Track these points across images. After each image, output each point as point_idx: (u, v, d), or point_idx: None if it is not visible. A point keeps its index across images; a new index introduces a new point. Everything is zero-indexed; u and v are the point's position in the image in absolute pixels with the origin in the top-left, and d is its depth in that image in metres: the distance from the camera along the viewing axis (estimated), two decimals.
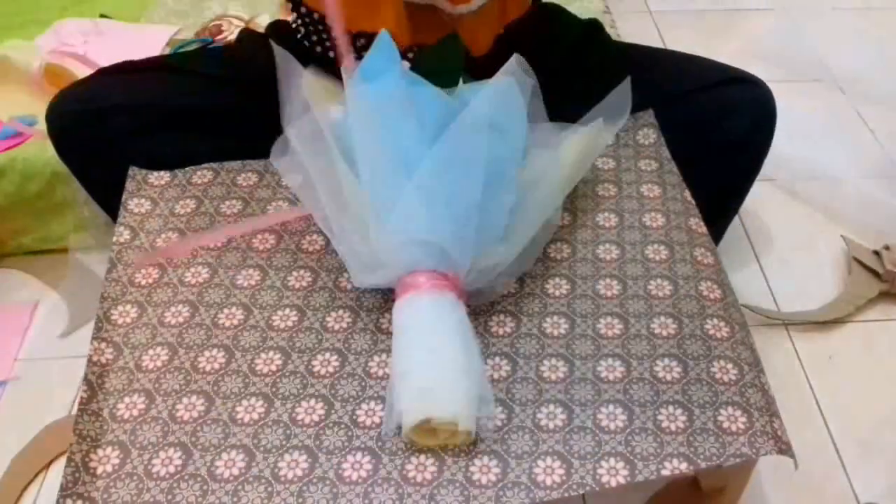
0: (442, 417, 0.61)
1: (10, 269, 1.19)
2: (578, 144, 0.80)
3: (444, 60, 0.76)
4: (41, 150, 0.96)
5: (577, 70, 0.97)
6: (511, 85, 0.74)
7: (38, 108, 1.17)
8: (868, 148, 1.43)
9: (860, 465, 0.94)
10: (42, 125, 0.95)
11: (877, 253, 1.17)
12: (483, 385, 0.66)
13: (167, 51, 1.34)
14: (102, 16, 1.40)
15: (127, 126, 0.89)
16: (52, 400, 1.00)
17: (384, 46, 0.73)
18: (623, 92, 0.81)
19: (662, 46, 1.61)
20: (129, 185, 0.87)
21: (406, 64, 0.75)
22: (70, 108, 0.91)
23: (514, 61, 0.74)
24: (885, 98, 1.52)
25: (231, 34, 1.38)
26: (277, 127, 0.80)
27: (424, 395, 0.63)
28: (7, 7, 1.42)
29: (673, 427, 0.65)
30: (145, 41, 1.35)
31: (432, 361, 0.65)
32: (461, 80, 0.77)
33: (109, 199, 0.88)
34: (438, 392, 0.63)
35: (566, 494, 0.60)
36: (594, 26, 1.03)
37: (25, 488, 0.92)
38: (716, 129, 0.93)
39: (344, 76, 0.70)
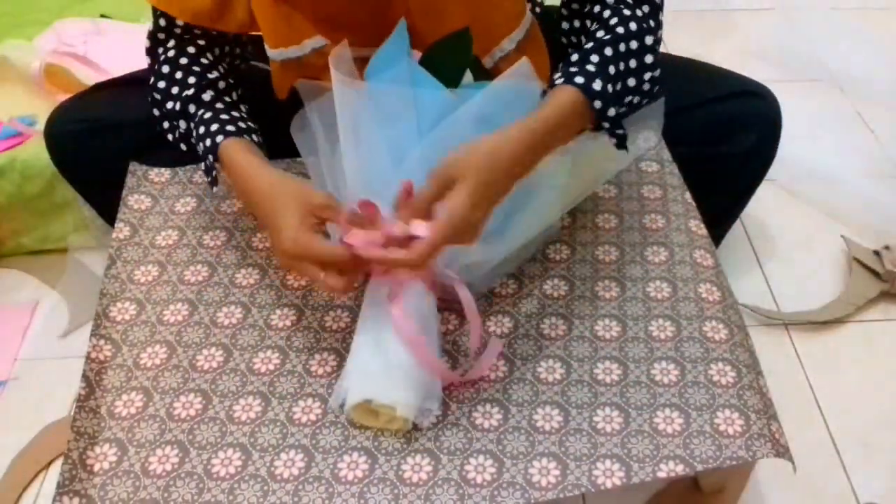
0: (381, 401, 0.63)
1: (10, 269, 1.19)
2: (590, 153, 0.78)
3: (452, 55, 0.76)
4: (41, 150, 0.96)
5: None
6: (516, 86, 0.73)
7: (38, 108, 1.18)
8: (868, 148, 1.43)
9: (860, 465, 0.94)
10: (42, 125, 0.95)
11: (877, 253, 1.17)
12: (432, 378, 0.66)
13: None
14: (102, 16, 1.40)
15: (126, 143, 0.88)
16: (51, 400, 1.00)
17: (398, 38, 0.73)
18: (656, 110, 0.79)
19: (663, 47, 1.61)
20: (130, 180, 0.87)
21: (416, 54, 0.75)
22: (68, 127, 0.91)
23: (523, 64, 0.74)
24: (885, 98, 1.51)
25: None
26: (278, 138, 0.80)
27: (369, 376, 0.65)
28: (7, 7, 1.42)
29: (669, 430, 0.64)
30: (145, 41, 1.35)
31: (384, 346, 0.66)
32: (471, 77, 0.76)
33: (110, 210, 0.87)
34: (382, 376, 0.64)
35: (561, 495, 0.60)
36: None
37: (25, 488, 0.92)
38: (724, 141, 0.94)
39: (332, 68, 0.69)
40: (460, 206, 0.62)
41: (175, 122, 0.78)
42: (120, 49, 1.29)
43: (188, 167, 0.89)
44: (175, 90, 0.77)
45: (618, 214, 0.85)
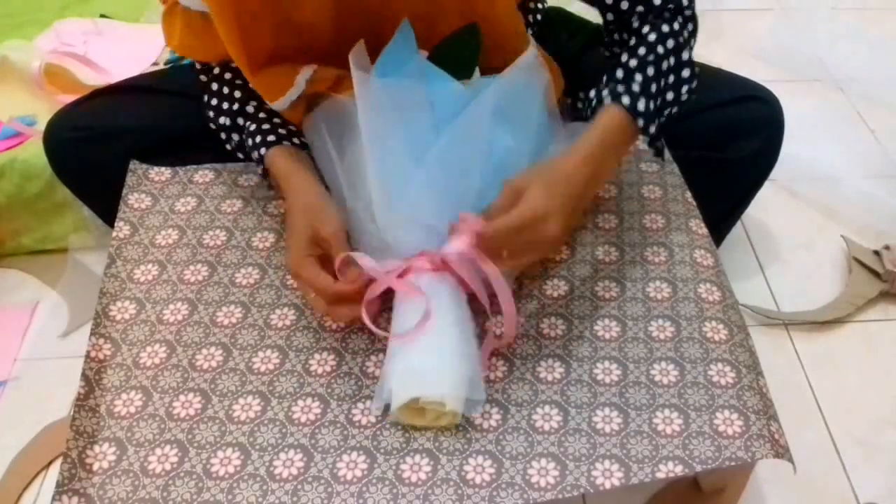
0: (429, 397, 0.63)
1: (10, 269, 1.19)
2: None
3: (461, 50, 0.76)
4: (41, 150, 0.96)
5: (581, 76, 0.96)
6: (525, 77, 0.73)
7: (38, 108, 1.18)
8: (868, 148, 1.43)
9: (860, 465, 0.94)
10: (42, 125, 0.95)
11: (877, 253, 1.17)
12: (475, 368, 0.66)
13: (166, 51, 1.34)
14: (102, 16, 1.41)
15: (125, 150, 0.88)
16: (51, 400, 1.00)
17: (404, 37, 0.73)
18: None
19: None
20: (130, 179, 0.87)
21: (424, 53, 0.75)
22: (67, 135, 0.91)
23: (531, 55, 0.74)
24: (885, 98, 1.51)
25: None
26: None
27: (414, 374, 0.64)
28: (7, 7, 1.42)
29: (668, 430, 0.64)
30: (145, 41, 1.35)
31: (424, 343, 0.66)
32: (478, 72, 0.77)
33: (110, 215, 0.87)
34: (428, 372, 0.64)
35: (560, 496, 0.60)
36: (600, 32, 1.02)
37: (25, 488, 0.92)
38: (727, 146, 0.94)
39: (352, 65, 0.70)
40: (532, 199, 0.65)
41: (230, 135, 0.83)
42: (120, 49, 1.29)
43: (188, 167, 0.89)
44: (225, 105, 0.82)
45: (618, 214, 0.85)
